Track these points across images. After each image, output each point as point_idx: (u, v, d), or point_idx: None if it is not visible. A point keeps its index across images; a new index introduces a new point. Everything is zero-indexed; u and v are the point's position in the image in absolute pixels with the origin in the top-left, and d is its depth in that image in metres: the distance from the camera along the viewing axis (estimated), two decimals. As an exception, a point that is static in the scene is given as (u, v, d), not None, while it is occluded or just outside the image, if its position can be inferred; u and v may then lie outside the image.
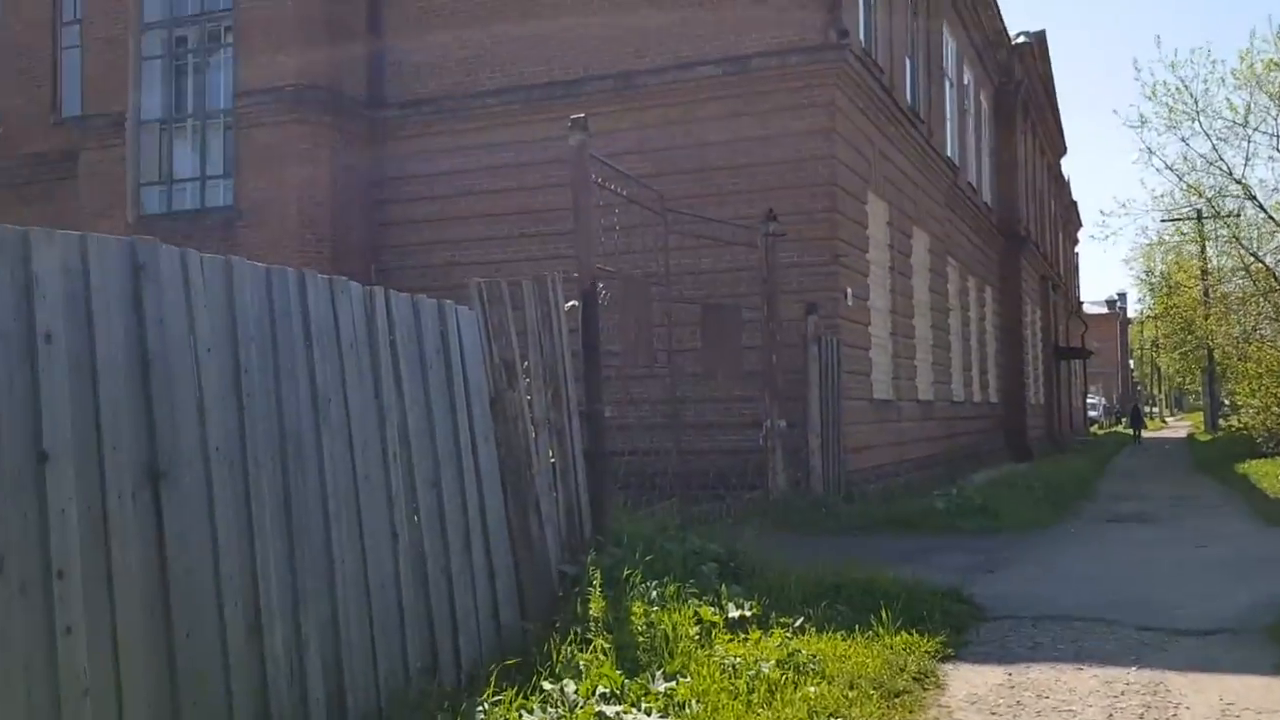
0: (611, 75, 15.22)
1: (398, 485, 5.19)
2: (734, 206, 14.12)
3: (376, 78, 16.55)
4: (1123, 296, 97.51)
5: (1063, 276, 44.43)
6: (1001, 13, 27.55)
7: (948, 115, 23.51)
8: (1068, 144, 44.41)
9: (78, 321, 3.57)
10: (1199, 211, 30.59)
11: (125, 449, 3.67)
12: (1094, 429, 58.76)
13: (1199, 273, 31.93)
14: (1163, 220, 32.59)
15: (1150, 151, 33.38)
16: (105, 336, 3.64)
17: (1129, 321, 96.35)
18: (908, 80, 19.41)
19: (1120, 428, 60.76)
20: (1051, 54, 36.79)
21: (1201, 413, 50.63)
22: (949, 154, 22.85)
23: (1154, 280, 39.78)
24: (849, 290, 14.64)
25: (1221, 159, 24.97)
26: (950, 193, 22.35)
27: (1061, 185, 46.06)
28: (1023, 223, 30.49)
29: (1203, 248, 32.55)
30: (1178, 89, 24.66)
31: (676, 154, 14.84)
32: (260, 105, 15.62)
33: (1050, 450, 31.63)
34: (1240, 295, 27.98)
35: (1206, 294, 30.67)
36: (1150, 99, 25.40)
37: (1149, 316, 45.75)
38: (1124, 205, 38.80)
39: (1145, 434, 48.78)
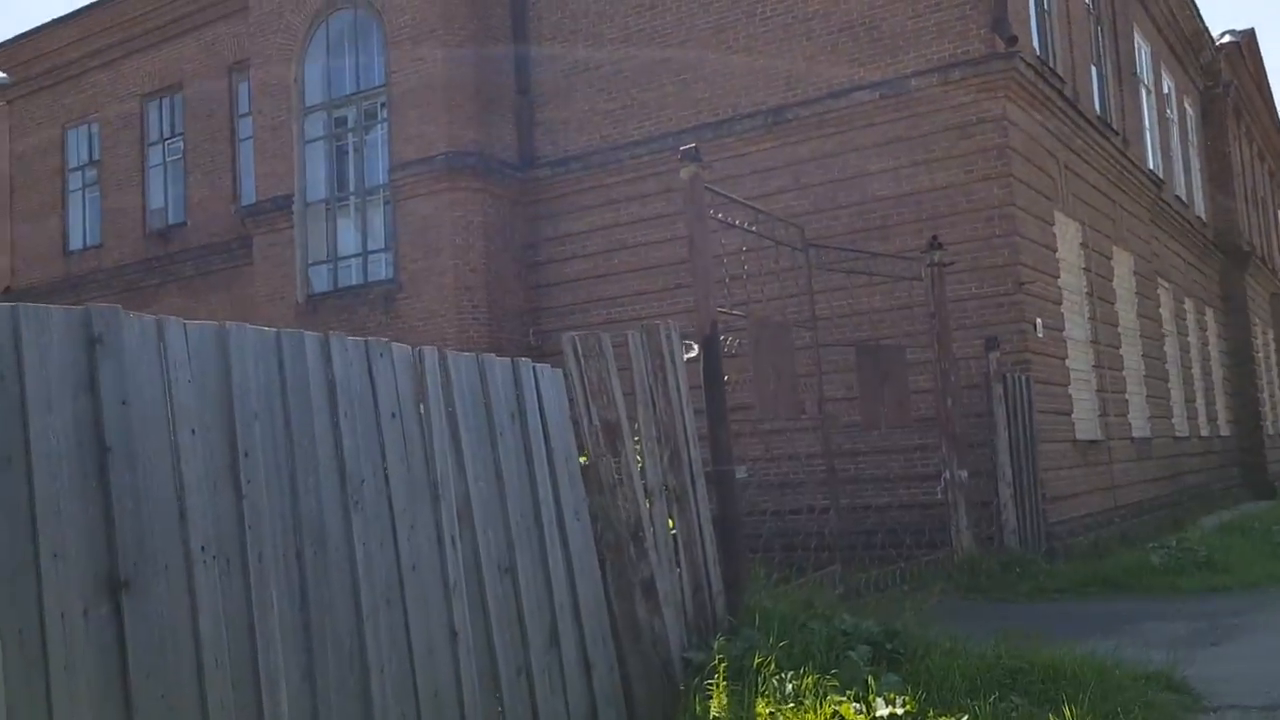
0: (761, 111, 14.46)
1: (457, 574, 4.50)
2: (901, 239, 13.06)
3: (526, 139, 16.36)
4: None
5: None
6: (1200, 13, 25.32)
7: (1146, 125, 21.55)
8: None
9: (7, 408, 3.04)
10: None
11: (72, 556, 3.11)
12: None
13: None
14: None
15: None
16: (43, 423, 3.10)
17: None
18: (1095, 89, 17.80)
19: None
20: (1264, 52, 33.75)
21: None
22: (1151, 167, 20.90)
23: None
24: (1038, 321, 13.24)
25: None
26: (1155, 208, 20.38)
27: (1290, 193, 42.04)
28: (1244, 236, 27.71)
29: None
30: None
31: (835, 188, 13.91)
32: (413, 176, 15.64)
33: (1298, 485, 28.31)
34: None
35: None
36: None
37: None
38: None
39: None
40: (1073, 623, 8.13)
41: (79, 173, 22.06)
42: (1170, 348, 21.00)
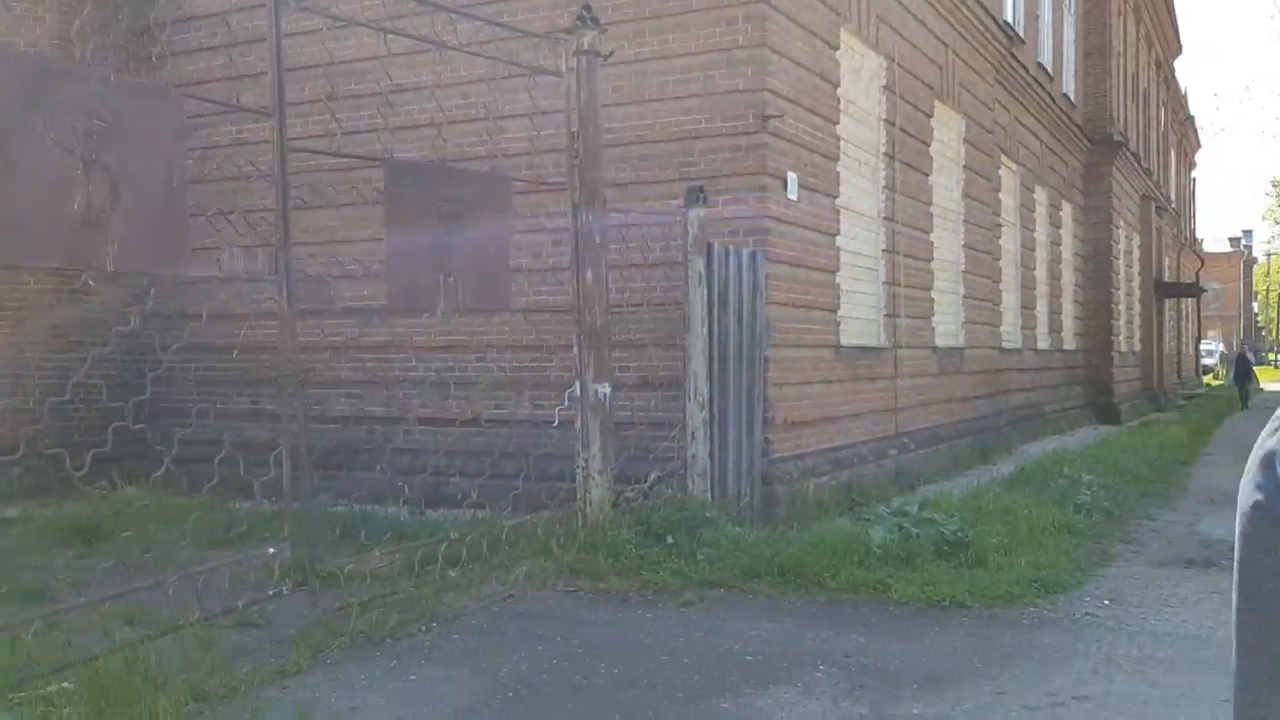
0: None
1: None
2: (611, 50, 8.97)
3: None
4: (1248, 234, 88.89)
5: (1173, 202, 37.75)
6: None
7: (1008, -31, 17.72)
8: (1186, 47, 37.50)
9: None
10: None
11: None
12: (1209, 379, 51.80)
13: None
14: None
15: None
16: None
17: (1255, 262, 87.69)
18: (934, -102, 13.79)
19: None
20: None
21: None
22: (1008, 20, 17.13)
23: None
24: (791, 177, 9.40)
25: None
26: (1005, 70, 16.66)
27: (1174, 94, 39.12)
28: (1116, 125, 24.38)
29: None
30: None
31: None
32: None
33: (1145, 409, 25.76)
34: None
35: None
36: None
37: None
38: (1247, 88, 31.91)
39: (1265, 387, 41.57)
40: (689, 658, 4.50)
41: None
42: (1009, 241, 17.59)
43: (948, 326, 13.96)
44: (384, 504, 8.38)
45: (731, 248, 8.41)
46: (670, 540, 6.72)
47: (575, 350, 6.87)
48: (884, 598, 5.86)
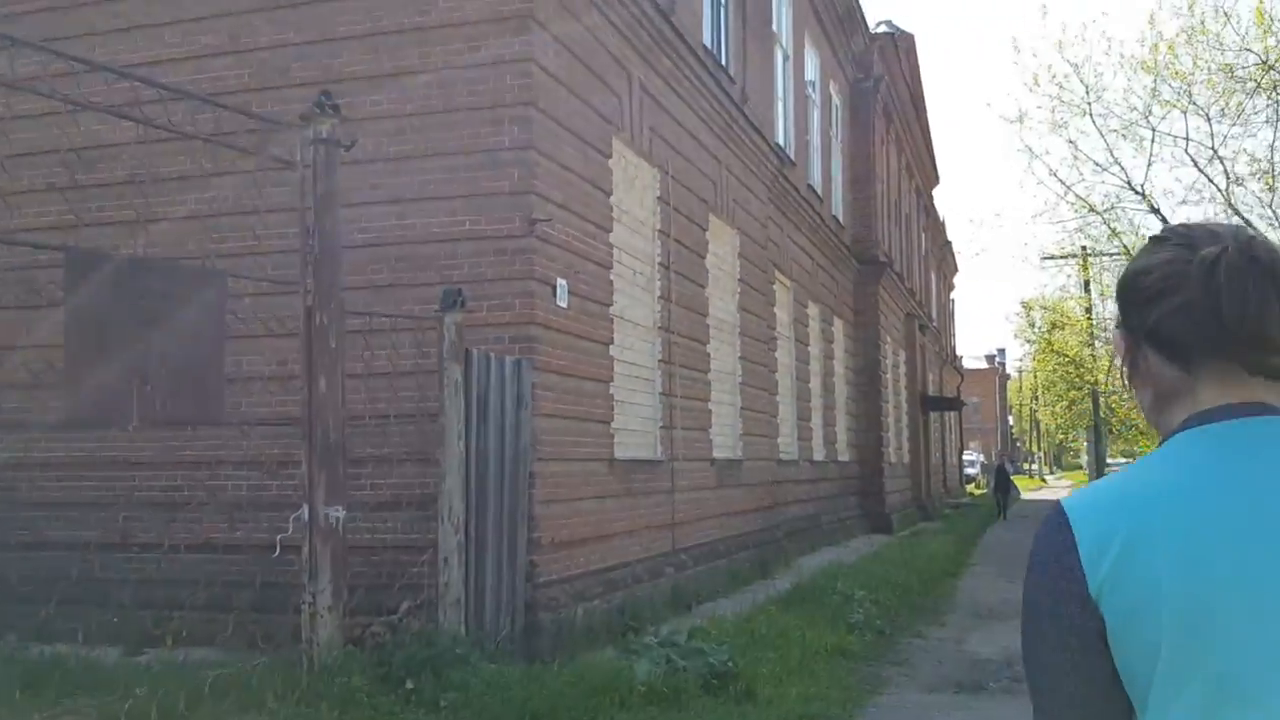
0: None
1: None
2: (376, 139, 8.39)
3: None
4: (1002, 352, 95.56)
5: (936, 321, 39.97)
6: (856, -9, 22.75)
7: (779, 94, 18.36)
8: (943, 177, 40.22)
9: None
10: (1084, 248, 25.85)
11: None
12: (971, 488, 54.65)
13: (1086, 307, 27.38)
14: (1043, 258, 27.94)
15: (1031, 152, 25.61)
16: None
17: (1009, 378, 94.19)
18: (707, 19, 14.09)
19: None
20: (922, 68, 32.43)
21: (1084, 471, 46.64)
22: (779, 142, 17.64)
23: (1034, 318, 35.01)
24: (560, 283, 9.00)
25: (1118, 163, 20.15)
26: (777, 189, 17.06)
27: (934, 221, 41.75)
28: (881, 247, 25.53)
29: (1086, 285, 28.11)
30: (1065, 77, 19.84)
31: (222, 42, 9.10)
32: None
33: (914, 518, 26.56)
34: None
35: (1092, 334, 26.08)
36: (1033, 90, 20.52)
37: (1034, 356, 40.73)
38: (998, 215, 34.37)
39: (1024, 496, 44.12)
40: None
41: None
42: (784, 354, 17.80)
43: (725, 438, 13.79)
44: (95, 644, 7.35)
45: (493, 355, 7.87)
46: (410, 685, 5.95)
47: (304, 468, 6.10)
48: (644, 744, 5.28)
